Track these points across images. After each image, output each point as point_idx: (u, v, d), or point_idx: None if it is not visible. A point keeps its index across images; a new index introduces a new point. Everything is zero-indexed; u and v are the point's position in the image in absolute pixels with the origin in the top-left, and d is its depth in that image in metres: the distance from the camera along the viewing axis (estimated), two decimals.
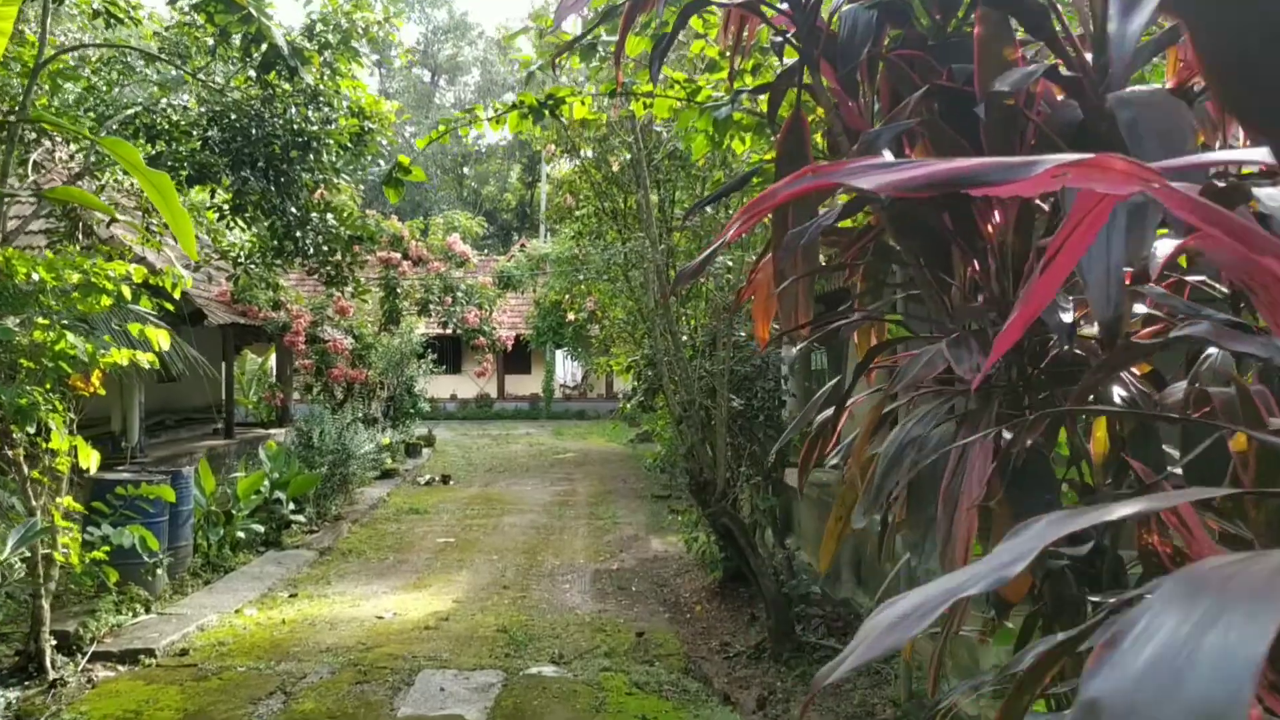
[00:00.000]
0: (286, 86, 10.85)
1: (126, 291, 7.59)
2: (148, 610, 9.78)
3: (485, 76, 68.11)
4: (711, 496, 8.25)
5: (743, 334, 8.67)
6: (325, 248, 13.44)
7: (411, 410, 23.52)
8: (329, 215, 13.38)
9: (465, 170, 66.90)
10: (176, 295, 8.70)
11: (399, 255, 17.49)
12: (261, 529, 12.87)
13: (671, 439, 10.79)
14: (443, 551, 13.78)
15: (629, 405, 11.01)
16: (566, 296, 13.66)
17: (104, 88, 11.98)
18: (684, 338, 8.58)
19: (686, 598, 11.20)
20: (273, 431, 20.42)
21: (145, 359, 7.73)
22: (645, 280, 8.59)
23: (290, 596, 11.08)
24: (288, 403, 21.89)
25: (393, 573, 12.45)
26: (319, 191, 13.68)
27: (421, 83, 68.61)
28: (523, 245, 26.47)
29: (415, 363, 23.82)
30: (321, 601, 10.90)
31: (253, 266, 14.83)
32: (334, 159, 12.41)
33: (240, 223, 12.86)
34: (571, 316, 14.02)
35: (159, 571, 10.21)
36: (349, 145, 12.14)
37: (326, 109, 11.46)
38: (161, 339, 7.68)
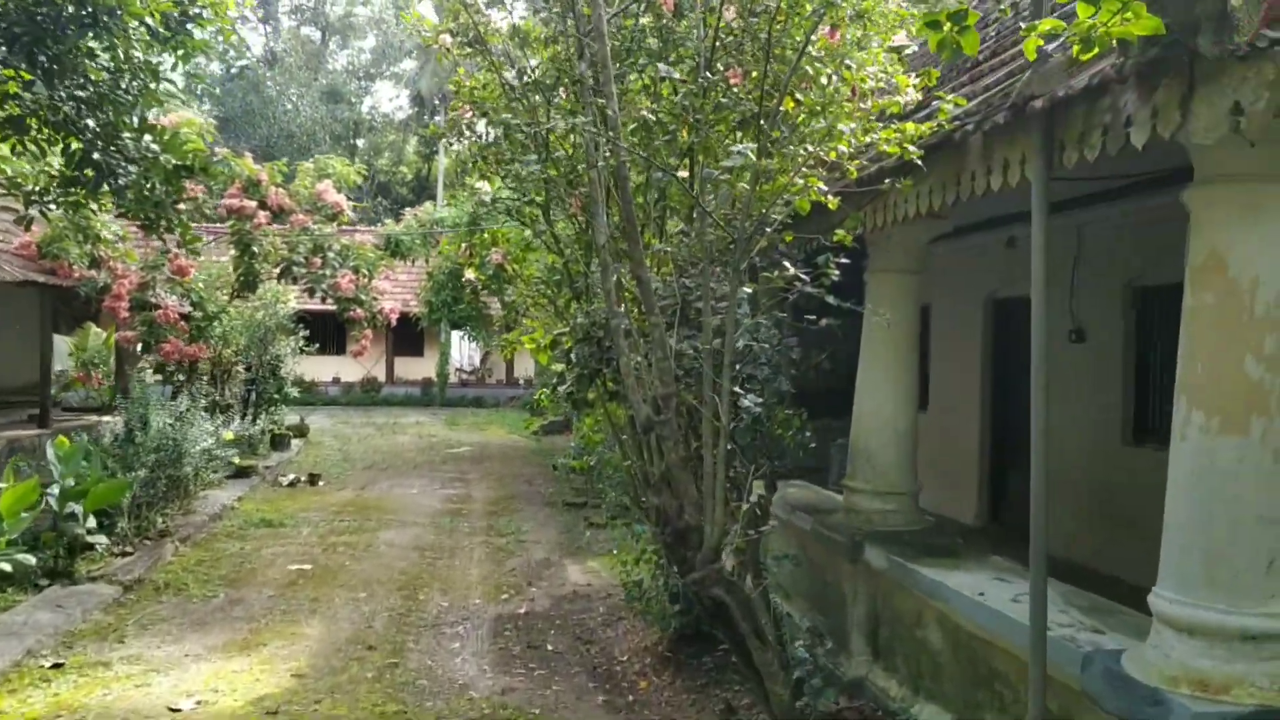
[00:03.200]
0: None
1: None
2: None
3: (382, 39, 63.73)
4: (695, 553, 5.19)
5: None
6: (143, 181, 9.98)
7: (277, 395, 19.91)
8: (147, 137, 9.91)
9: (358, 141, 62.66)
10: None
11: (254, 204, 14.02)
12: (33, 559, 9.35)
13: (615, 450, 7.66)
14: (293, 585, 10.43)
15: (548, 397, 7.83)
16: (463, 248, 10.46)
17: None
18: (656, 287, 5.46)
19: (624, 663, 8.10)
20: (106, 420, 16.68)
21: None
22: (591, 199, 5.43)
23: (53, 668, 7.64)
24: (128, 384, 18.13)
25: (217, 621, 9.07)
26: (160, 119, 10.31)
27: (311, 42, 63.89)
28: (415, 214, 23.05)
29: (284, 339, 20.23)
30: (96, 678, 7.50)
31: (51, 207, 11.24)
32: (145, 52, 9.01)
33: (28, 145, 9.37)
34: (471, 275, 10.83)
35: None
36: (162, 28, 8.73)
37: None
38: None
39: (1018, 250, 10.87)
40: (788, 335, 6.55)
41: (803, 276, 5.20)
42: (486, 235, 9.72)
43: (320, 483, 17.30)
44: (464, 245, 10.09)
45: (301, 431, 23.34)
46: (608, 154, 5.12)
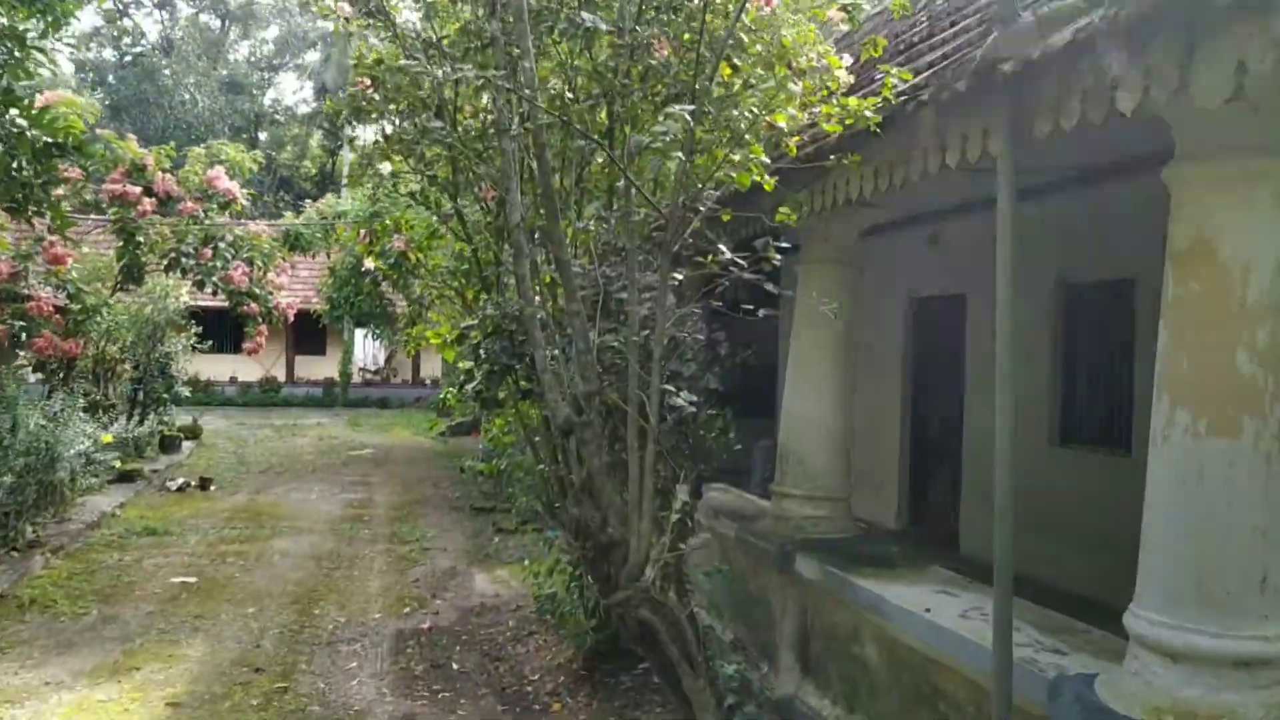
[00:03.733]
0: None
1: None
2: None
3: (285, 30, 61.87)
4: (619, 570, 4.66)
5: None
6: (8, 158, 9.12)
7: (166, 395, 18.83)
8: (13, 111, 9.05)
9: (260, 135, 60.66)
10: None
11: (139, 190, 13.07)
12: None
13: (527, 454, 7.10)
14: (176, 600, 9.62)
15: (455, 397, 7.23)
16: (361, 234, 9.75)
17: None
18: (576, 273, 4.91)
19: (536, 682, 7.54)
20: None
21: None
22: (503, 174, 4.87)
23: None
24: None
25: (86, 642, 8.25)
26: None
27: (210, 30, 61.70)
28: (317, 207, 22.07)
29: (174, 336, 19.17)
30: None
31: None
32: None
33: None
34: (371, 264, 10.10)
35: None
36: None
37: None
38: None
39: (940, 248, 10.59)
40: (714, 328, 6.07)
41: (740, 261, 4.71)
42: (389, 221, 9.05)
43: (211, 487, 16.34)
44: (362, 231, 9.39)
45: (194, 433, 22.21)
46: (523, 116, 4.56)
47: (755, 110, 4.34)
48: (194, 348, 19.84)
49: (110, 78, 53.88)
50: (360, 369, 35.29)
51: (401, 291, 13.80)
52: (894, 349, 11.87)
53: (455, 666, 7.95)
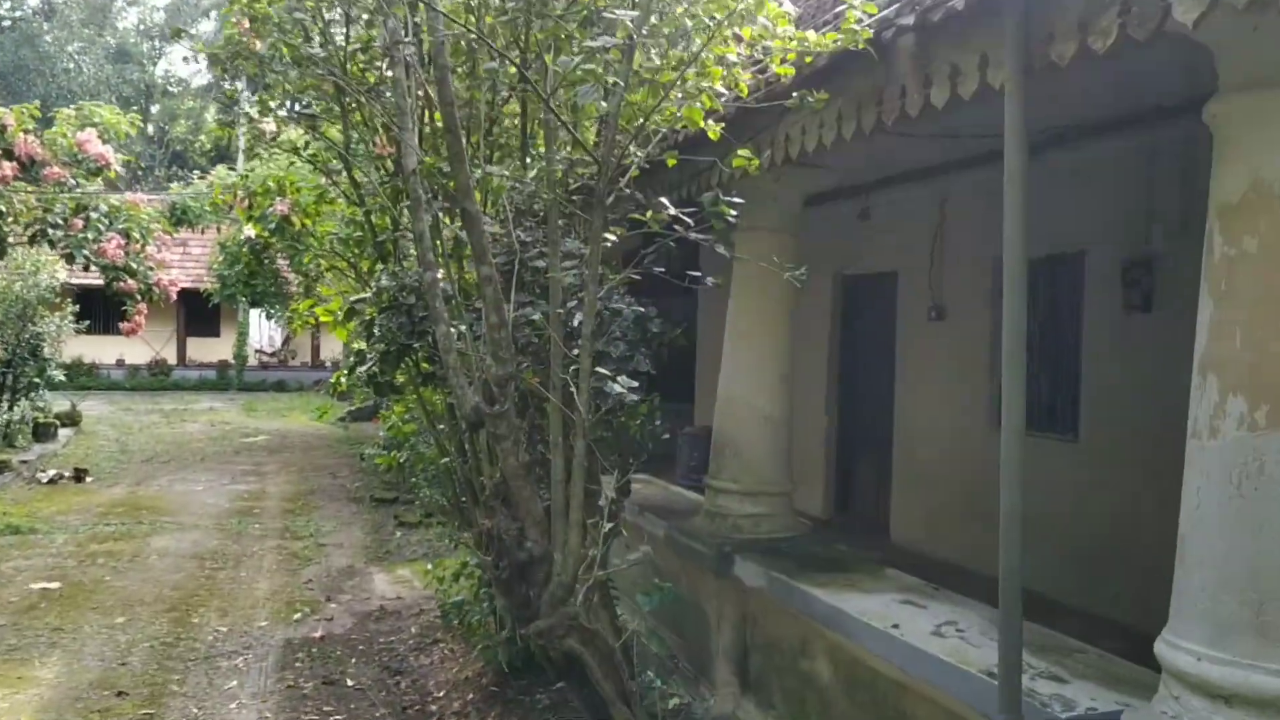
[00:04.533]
0: None
1: None
2: None
3: None
4: (542, 591, 3.88)
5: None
6: None
7: (38, 379, 17.41)
8: None
9: (152, 107, 57.89)
10: None
11: None
12: None
13: (431, 446, 6.27)
14: (33, 609, 8.55)
15: (345, 380, 6.36)
16: (239, 197, 8.69)
17: None
18: (489, 229, 4.10)
19: (441, 700, 6.73)
20: None
21: None
22: (398, 109, 4.02)
23: None
24: None
25: None
26: None
27: None
28: (209, 179, 20.66)
29: (47, 316, 17.74)
30: None
31: None
32: None
33: None
34: (251, 231, 8.99)
35: None
36: None
37: None
38: None
39: (871, 223, 9.98)
40: (642, 302, 5.31)
41: (685, 219, 3.95)
42: (270, 182, 8.06)
43: (88, 479, 15.11)
44: (239, 194, 8.35)
45: (73, 420, 20.76)
46: (421, 36, 3.73)
47: (716, 15, 3.56)
48: (72, 327, 18.39)
49: None
50: (256, 350, 33.75)
51: (291, 264, 12.74)
52: (821, 330, 11.25)
53: (350, 682, 7.10)
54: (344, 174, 6.15)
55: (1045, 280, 8.27)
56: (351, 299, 5.64)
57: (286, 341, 34.37)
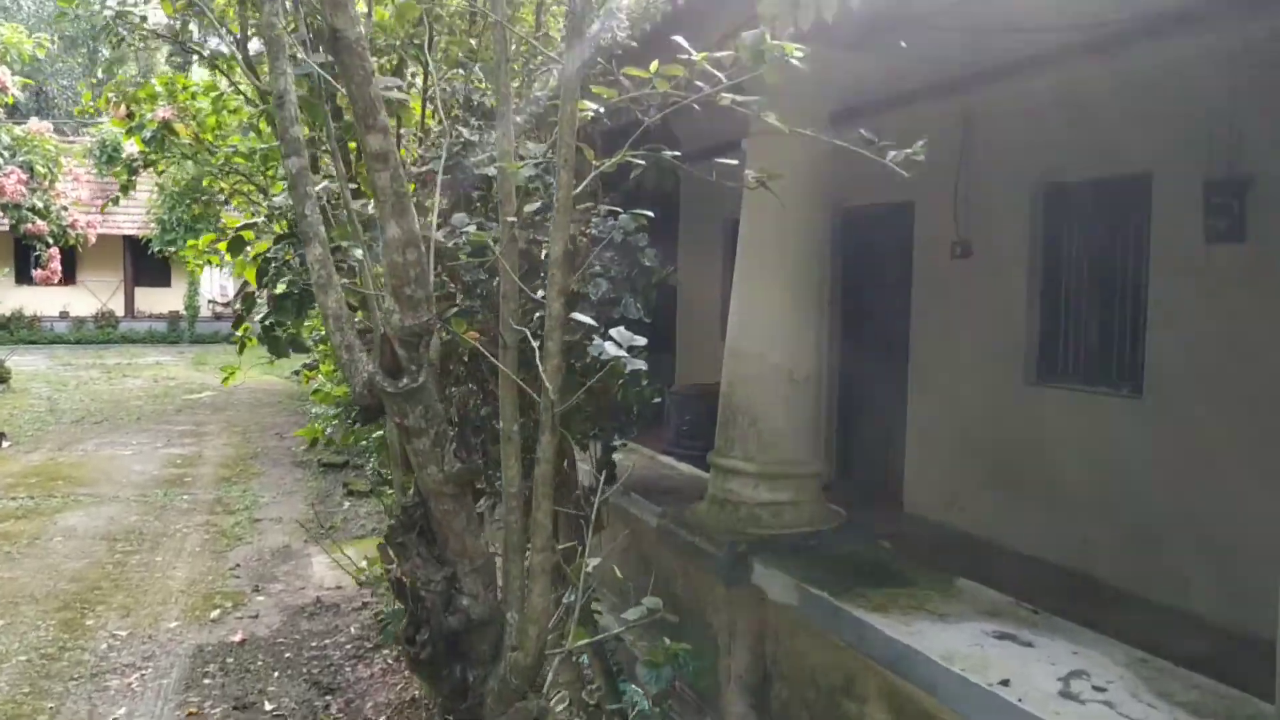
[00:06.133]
0: None
1: None
2: None
3: None
4: (487, 672, 2.53)
5: None
6: None
7: None
8: None
9: (103, 50, 55.20)
10: None
11: None
12: None
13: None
14: None
15: (245, 333, 4.91)
16: (111, 102, 7.18)
17: None
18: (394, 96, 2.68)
19: None
20: None
21: None
22: None
23: None
24: None
25: None
26: None
27: None
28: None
29: None
30: None
31: None
32: None
33: None
34: (132, 145, 7.42)
35: None
36: None
37: None
38: None
39: (879, 147, 8.58)
40: (629, 227, 3.91)
41: (714, 71, 2.51)
42: (155, 83, 6.56)
43: (4, 444, 13.59)
44: (112, 98, 6.84)
45: (1, 377, 19.14)
46: None
47: None
48: None
49: None
50: (209, 301, 32.02)
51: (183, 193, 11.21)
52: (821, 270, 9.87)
53: (269, 706, 5.76)
54: (240, 64, 4.69)
55: (1103, 208, 6.95)
56: (237, 226, 4.21)
57: (241, 290, 32.63)
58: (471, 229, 2.77)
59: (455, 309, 2.87)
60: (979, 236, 7.82)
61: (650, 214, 3.29)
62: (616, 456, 5.08)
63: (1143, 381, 6.59)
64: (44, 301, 29.14)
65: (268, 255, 3.96)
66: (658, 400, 4.69)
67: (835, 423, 9.99)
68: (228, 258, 5.68)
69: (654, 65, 2.43)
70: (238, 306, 5.41)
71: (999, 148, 7.44)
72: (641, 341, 2.57)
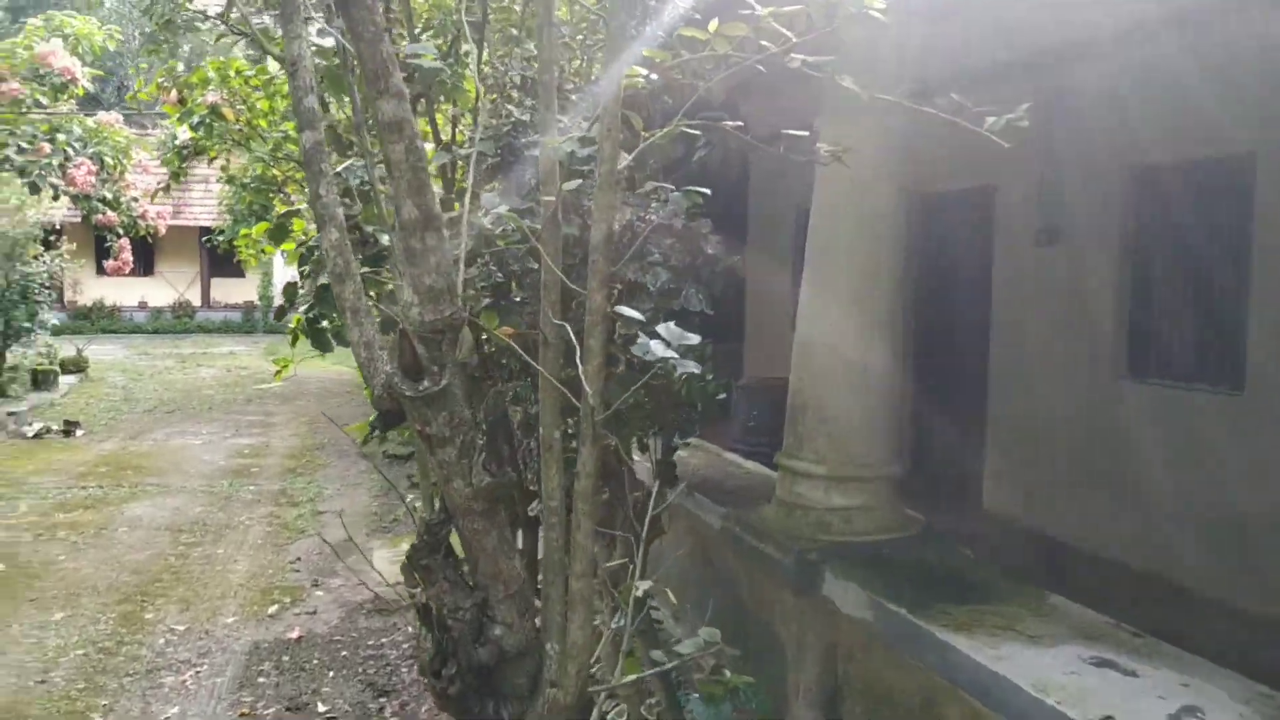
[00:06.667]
0: None
1: None
2: None
3: None
4: (523, 710, 2.29)
5: None
6: None
7: (28, 324, 16.04)
8: None
9: (186, 46, 56.17)
10: None
11: None
12: None
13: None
14: None
15: (298, 325, 4.71)
16: (162, 87, 7.04)
17: None
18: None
19: None
20: None
21: None
22: None
23: None
24: None
25: None
26: None
27: None
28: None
29: (38, 255, 16.37)
30: None
31: None
32: None
33: None
34: (186, 134, 7.24)
35: None
36: None
37: None
38: None
39: (960, 128, 8.17)
40: (683, 205, 3.62)
41: (784, 30, 2.22)
42: (207, 68, 6.41)
43: (78, 432, 13.75)
44: (163, 83, 6.71)
45: (79, 366, 19.46)
46: None
47: None
48: (61, 267, 17.06)
49: None
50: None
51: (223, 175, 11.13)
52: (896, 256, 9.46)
53: (323, 708, 5.61)
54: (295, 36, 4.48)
55: (1199, 191, 6.50)
56: (282, 212, 4.02)
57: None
58: (503, 209, 2.53)
59: (489, 302, 2.62)
60: (1065, 222, 7.39)
61: (706, 191, 3.01)
62: (679, 454, 4.83)
63: (1244, 378, 6.15)
64: (123, 292, 29.72)
65: (310, 244, 3.76)
66: (723, 396, 4.40)
67: (908, 417, 9.61)
68: (268, 249, 5.52)
69: (713, 24, 2.16)
70: (269, 300, 5.26)
71: (1086, 128, 7.00)
72: (694, 339, 2.30)
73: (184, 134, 7.32)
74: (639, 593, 2.28)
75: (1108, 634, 3.34)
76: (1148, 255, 6.85)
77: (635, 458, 4.43)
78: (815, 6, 2.09)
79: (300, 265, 3.73)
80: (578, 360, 2.25)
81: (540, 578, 2.46)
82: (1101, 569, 5.99)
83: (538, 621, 2.42)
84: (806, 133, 2.76)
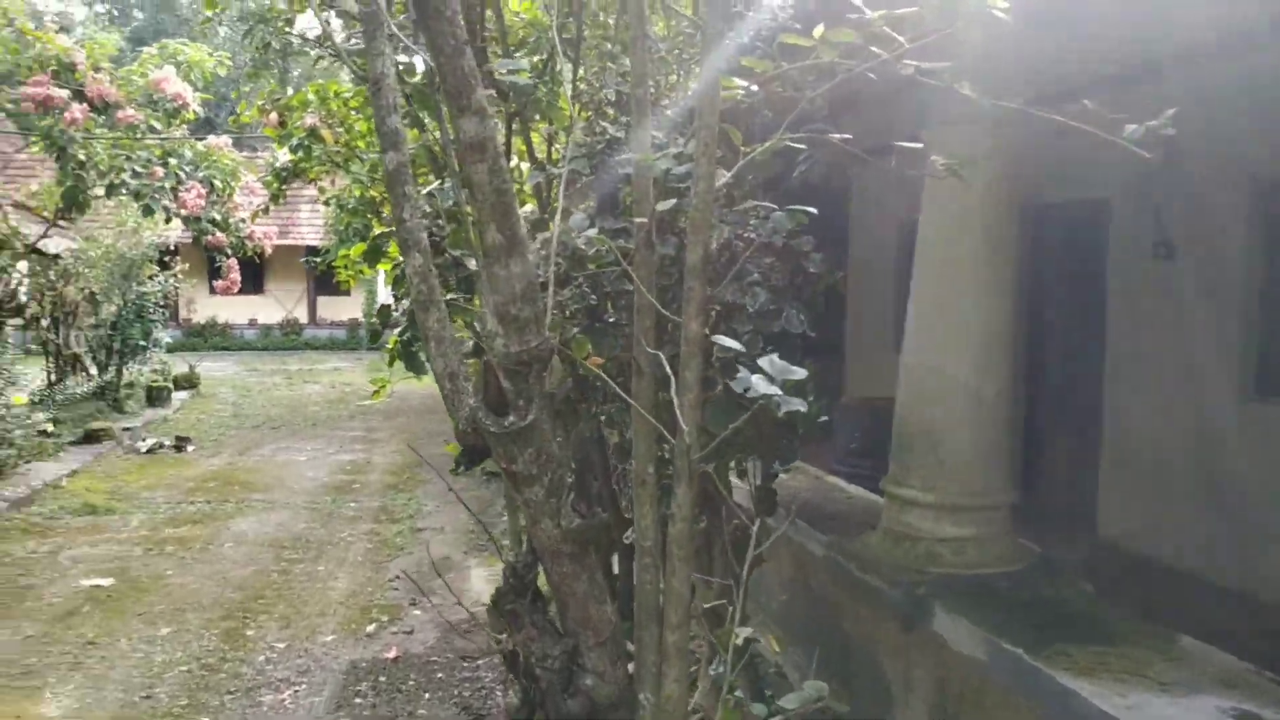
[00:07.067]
0: None
1: None
2: None
3: None
4: None
5: None
6: None
7: (143, 342, 16.56)
8: None
9: (294, 71, 57.95)
10: None
11: (66, 94, 10.64)
12: None
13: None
14: (72, 616, 7.31)
15: (395, 346, 4.69)
16: (263, 110, 7.15)
17: None
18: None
19: None
20: None
21: None
22: None
23: None
24: None
25: None
26: None
27: None
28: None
29: (154, 275, 16.91)
30: None
31: None
32: None
33: None
34: (285, 156, 7.32)
35: None
36: None
37: None
38: None
39: (1073, 138, 7.83)
40: (785, 226, 3.47)
41: (893, 35, 2.07)
42: (308, 91, 6.51)
43: (189, 448, 14.12)
44: (264, 106, 6.81)
45: (191, 382, 20.06)
46: None
47: None
48: (175, 285, 17.60)
49: (135, 11, 51.97)
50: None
51: (322, 196, 11.30)
52: (1005, 272, 9.12)
53: None
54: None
55: None
56: (376, 233, 4.00)
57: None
58: (592, 233, 2.42)
59: (582, 326, 2.52)
60: (1185, 235, 7.02)
61: (811, 210, 2.86)
62: (783, 477, 4.65)
63: None
64: (234, 310, 30.64)
65: (403, 266, 3.71)
66: (824, 419, 4.23)
67: (1020, 439, 9.24)
68: (365, 271, 5.51)
69: (818, 30, 2.02)
70: (374, 319, 5.29)
71: (1207, 138, 6.62)
72: (799, 374, 2.16)
73: (284, 156, 7.46)
74: (739, 640, 2.14)
75: (1248, 681, 3.08)
76: (1276, 270, 6.46)
77: (733, 481, 4.29)
78: (930, 8, 1.94)
79: (395, 287, 3.69)
80: (673, 392, 2.12)
81: (635, 618, 2.35)
82: (1229, 603, 5.63)
83: (630, 668, 2.30)
84: (920, 145, 2.60)
